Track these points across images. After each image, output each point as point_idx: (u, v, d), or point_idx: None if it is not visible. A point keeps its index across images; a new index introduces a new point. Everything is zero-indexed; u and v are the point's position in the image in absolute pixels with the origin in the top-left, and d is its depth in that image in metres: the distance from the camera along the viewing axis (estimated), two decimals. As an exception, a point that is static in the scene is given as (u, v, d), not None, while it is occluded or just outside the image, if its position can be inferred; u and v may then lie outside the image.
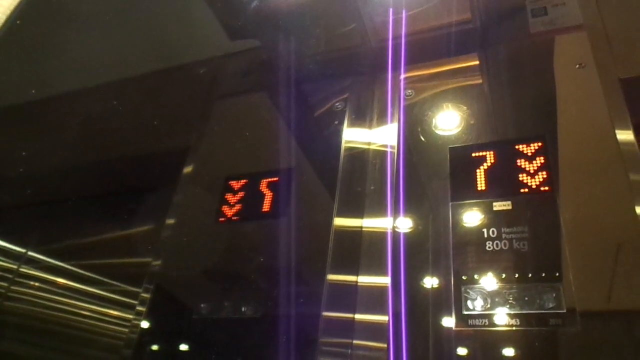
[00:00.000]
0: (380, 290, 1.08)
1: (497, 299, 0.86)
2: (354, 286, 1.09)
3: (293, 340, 1.18)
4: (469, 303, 0.88)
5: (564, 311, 0.82)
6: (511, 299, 0.85)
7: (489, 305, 0.86)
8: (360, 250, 1.12)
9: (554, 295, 0.83)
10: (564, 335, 0.85)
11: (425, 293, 1.07)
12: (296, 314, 1.22)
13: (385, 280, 1.08)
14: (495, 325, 0.86)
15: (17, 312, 1.34)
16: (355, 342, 1.03)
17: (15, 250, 1.41)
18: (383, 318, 1.05)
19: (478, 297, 0.88)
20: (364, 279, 1.10)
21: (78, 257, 1.39)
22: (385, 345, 1.01)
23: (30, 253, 1.40)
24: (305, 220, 1.14)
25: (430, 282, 1.09)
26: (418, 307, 1.08)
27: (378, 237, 1.11)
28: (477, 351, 0.93)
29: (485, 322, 0.86)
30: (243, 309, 1.15)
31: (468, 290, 0.89)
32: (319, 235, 1.12)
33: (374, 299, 1.08)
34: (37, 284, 1.37)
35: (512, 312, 0.84)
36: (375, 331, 1.05)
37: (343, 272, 1.10)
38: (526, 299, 0.84)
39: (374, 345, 1.03)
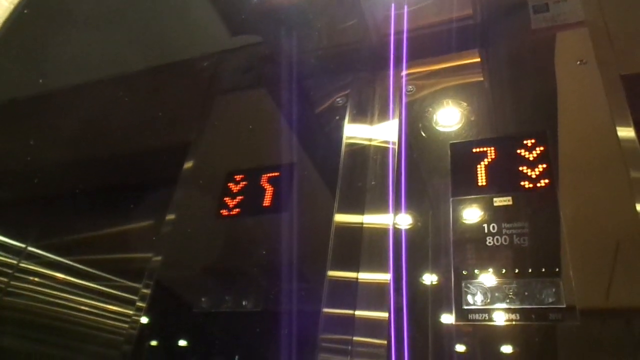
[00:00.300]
0: (381, 287, 1.08)
1: (497, 294, 0.86)
2: (355, 283, 1.09)
3: (293, 336, 1.18)
4: (469, 298, 0.88)
5: (564, 306, 0.82)
6: (511, 294, 0.85)
7: (489, 300, 0.87)
8: (361, 247, 1.12)
9: (553, 290, 0.83)
10: (563, 333, 0.85)
11: (425, 289, 1.07)
12: (297, 310, 1.22)
13: (385, 277, 1.07)
14: (495, 320, 0.86)
15: (17, 308, 1.34)
16: (355, 338, 1.03)
17: (15, 245, 1.41)
18: (383, 315, 1.05)
19: (478, 292, 0.88)
20: (364, 276, 1.10)
21: (78, 252, 1.38)
22: (386, 342, 1.01)
23: (30, 248, 1.40)
24: (306, 215, 1.14)
25: (430, 278, 1.09)
26: (418, 304, 1.08)
27: (379, 234, 1.11)
28: (476, 347, 0.93)
29: (485, 317, 0.86)
30: (244, 303, 1.15)
31: (468, 285, 0.89)
32: (319, 231, 1.12)
33: (374, 296, 1.08)
34: (36, 279, 1.37)
35: (512, 307, 0.85)
36: (376, 328, 1.05)
37: (343, 268, 1.10)
38: (526, 294, 0.84)
39: (374, 342, 1.03)
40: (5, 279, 1.39)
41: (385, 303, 1.05)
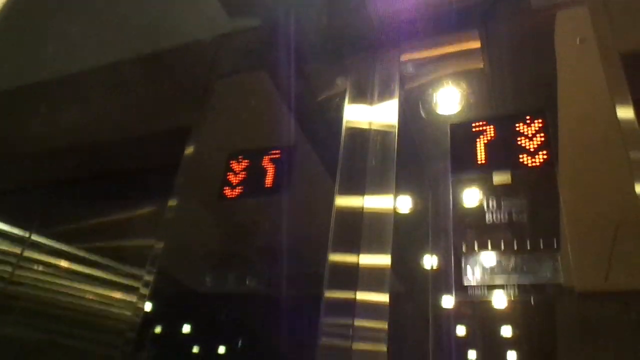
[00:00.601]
0: (381, 271, 1.08)
1: (496, 270, 0.87)
2: (355, 267, 1.09)
3: (295, 319, 1.18)
4: (469, 274, 0.89)
5: (562, 282, 0.82)
6: (510, 269, 0.86)
7: (488, 276, 0.87)
8: (362, 229, 1.12)
9: (551, 265, 0.83)
10: (562, 313, 0.85)
11: (425, 272, 1.07)
12: (298, 294, 1.23)
13: (386, 260, 1.08)
14: (494, 295, 0.86)
15: (21, 297, 1.35)
16: (356, 322, 1.04)
17: (18, 234, 1.41)
18: (384, 298, 1.06)
19: (478, 269, 0.89)
20: (365, 259, 1.10)
21: (81, 239, 1.39)
22: (386, 326, 1.02)
23: (33, 236, 1.40)
24: (307, 197, 1.15)
25: (430, 260, 1.09)
26: (418, 286, 1.09)
27: (379, 216, 1.11)
28: (476, 329, 0.94)
29: (484, 293, 0.86)
30: (247, 283, 1.16)
31: (468, 262, 0.90)
32: (320, 213, 1.13)
33: (375, 279, 1.08)
34: (40, 267, 1.38)
35: (511, 282, 0.85)
36: (376, 311, 1.05)
37: (344, 251, 1.10)
38: (524, 269, 0.85)
39: (375, 326, 1.03)
40: (9, 268, 1.40)
41: (386, 286, 1.05)
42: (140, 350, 1.45)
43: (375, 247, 1.09)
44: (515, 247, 0.88)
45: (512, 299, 0.85)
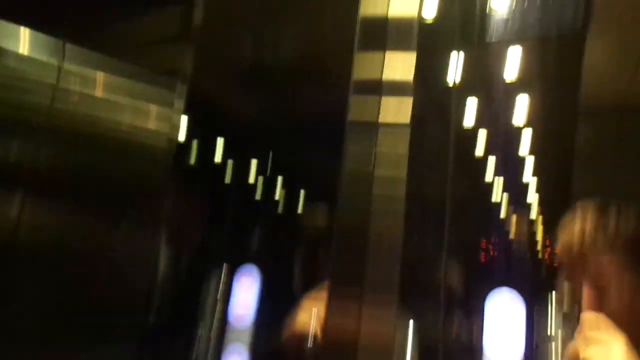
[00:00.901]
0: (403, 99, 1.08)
1: (522, 19, 0.87)
2: (378, 84, 1.09)
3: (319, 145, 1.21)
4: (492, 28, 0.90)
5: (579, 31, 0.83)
6: (531, 21, 0.87)
7: (514, 24, 0.88)
8: (387, 27, 1.10)
9: (573, 12, 0.83)
10: (578, 136, 0.85)
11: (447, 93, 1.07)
12: (320, 116, 1.24)
13: (411, 59, 1.07)
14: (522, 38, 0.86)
15: (62, 119, 1.36)
16: (378, 148, 1.06)
17: (54, 47, 1.39)
18: (405, 116, 1.07)
19: (500, 22, 0.90)
20: (390, 57, 1.09)
21: (113, 47, 1.41)
22: (407, 151, 1.04)
23: (67, 46, 1.40)
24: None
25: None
26: (440, 108, 1.10)
27: (405, 13, 1.08)
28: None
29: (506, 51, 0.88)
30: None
31: (491, 15, 0.91)
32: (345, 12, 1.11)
33: (398, 84, 1.09)
34: (78, 79, 1.40)
35: (533, 35, 0.86)
36: (398, 134, 1.08)
37: (370, 50, 1.10)
38: (546, 18, 0.85)
39: (396, 151, 1.06)
40: (52, 82, 1.39)
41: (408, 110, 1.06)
42: (175, 179, 1.53)
43: (401, 46, 1.09)
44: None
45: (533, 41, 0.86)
